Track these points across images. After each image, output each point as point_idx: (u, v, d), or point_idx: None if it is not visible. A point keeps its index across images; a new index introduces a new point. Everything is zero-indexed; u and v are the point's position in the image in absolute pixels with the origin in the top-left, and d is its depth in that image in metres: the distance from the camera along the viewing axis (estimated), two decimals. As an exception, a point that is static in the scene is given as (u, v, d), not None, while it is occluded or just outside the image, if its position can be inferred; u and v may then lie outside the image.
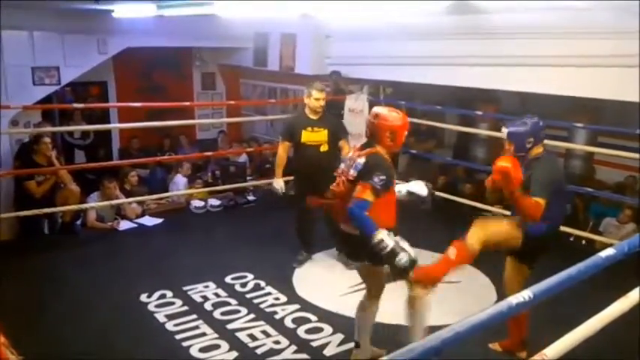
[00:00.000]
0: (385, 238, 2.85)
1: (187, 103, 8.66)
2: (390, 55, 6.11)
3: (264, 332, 3.89)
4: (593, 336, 1.79)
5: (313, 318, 4.09)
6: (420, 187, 3.36)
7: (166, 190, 6.93)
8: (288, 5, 5.24)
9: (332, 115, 5.16)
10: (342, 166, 3.20)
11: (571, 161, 6.56)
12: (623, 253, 1.77)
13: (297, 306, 4.26)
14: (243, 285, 4.64)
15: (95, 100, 8.53)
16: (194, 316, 4.08)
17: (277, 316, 4.11)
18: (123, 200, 6.09)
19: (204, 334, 3.84)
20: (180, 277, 4.70)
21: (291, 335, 3.85)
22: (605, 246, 1.82)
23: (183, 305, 4.25)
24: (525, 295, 1.48)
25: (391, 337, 3.70)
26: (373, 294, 3.33)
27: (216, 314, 4.14)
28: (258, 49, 7.92)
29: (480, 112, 6.46)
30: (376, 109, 3.19)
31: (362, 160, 3.04)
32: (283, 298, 4.40)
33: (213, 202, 6.75)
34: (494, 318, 1.39)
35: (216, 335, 3.83)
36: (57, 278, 4.75)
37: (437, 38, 5.56)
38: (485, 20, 4.85)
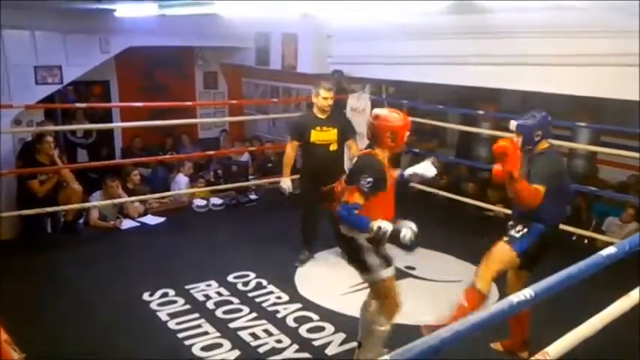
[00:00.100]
0: (382, 224, 2.85)
1: (189, 103, 8.66)
2: (392, 55, 6.11)
3: (266, 331, 3.89)
4: (595, 335, 1.78)
5: (315, 317, 4.09)
6: (427, 168, 3.32)
7: (168, 189, 6.94)
8: (288, 5, 5.23)
9: (340, 115, 5.16)
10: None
11: (574, 160, 6.55)
12: (624, 251, 1.77)
13: (298, 305, 4.26)
14: (245, 284, 4.64)
15: (97, 100, 8.53)
16: (196, 315, 4.09)
17: (279, 315, 4.12)
18: (125, 199, 6.10)
19: (206, 333, 3.85)
20: (182, 275, 4.71)
21: (292, 334, 3.85)
22: (607, 245, 1.81)
23: (185, 304, 4.26)
24: (526, 293, 1.48)
25: (392, 336, 3.69)
26: (387, 309, 3.24)
27: (219, 313, 4.14)
28: (260, 48, 7.92)
29: (481, 112, 6.46)
30: (376, 111, 3.18)
31: (354, 161, 3.09)
32: (285, 297, 4.41)
33: (216, 201, 6.75)
34: (494, 317, 1.39)
35: (218, 334, 3.84)
36: (59, 277, 4.76)
37: (438, 38, 5.55)
38: (487, 20, 4.83)
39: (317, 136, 4.74)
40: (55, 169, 5.61)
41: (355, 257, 3.11)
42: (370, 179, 2.90)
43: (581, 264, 1.65)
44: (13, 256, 5.00)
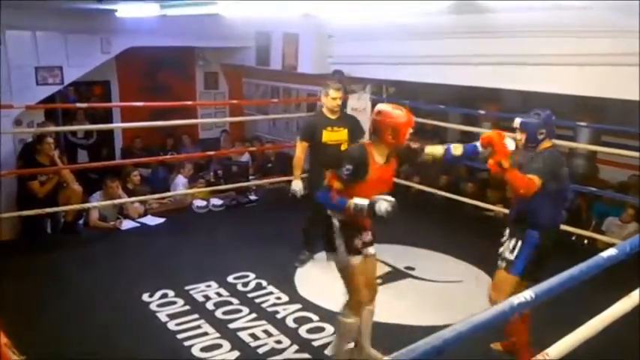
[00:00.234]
0: (358, 201, 2.93)
1: (190, 103, 8.66)
2: (393, 55, 6.11)
3: (265, 332, 3.89)
4: (595, 336, 1.78)
5: (315, 318, 4.09)
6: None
7: (169, 190, 6.93)
8: (289, 5, 5.23)
9: (349, 115, 5.14)
10: None
11: (574, 160, 6.55)
12: (625, 253, 1.77)
13: (298, 305, 4.26)
14: (245, 284, 4.64)
15: (98, 100, 8.53)
16: (196, 316, 4.09)
17: (279, 316, 4.12)
18: (125, 200, 6.10)
19: (205, 334, 3.85)
20: (182, 276, 4.71)
21: (292, 335, 3.85)
22: (608, 245, 1.81)
23: (185, 305, 4.26)
24: (527, 295, 1.48)
25: (392, 337, 3.70)
26: (351, 302, 3.29)
27: (218, 314, 4.14)
28: (261, 48, 7.91)
29: (482, 112, 6.46)
30: (380, 106, 3.20)
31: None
32: (285, 298, 4.41)
33: (216, 201, 6.75)
34: (496, 318, 1.39)
35: (217, 335, 3.84)
36: (59, 278, 4.76)
37: (439, 38, 5.55)
38: (488, 19, 4.83)
39: (328, 136, 4.73)
40: (56, 169, 5.61)
41: (326, 236, 3.21)
42: (350, 167, 3.00)
43: (582, 265, 1.65)
44: (13, 257, 5.00)
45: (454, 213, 6.42)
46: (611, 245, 1.82)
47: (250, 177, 7.55)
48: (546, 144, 3.27)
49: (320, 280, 4.70)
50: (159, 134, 8.71)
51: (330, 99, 4.72)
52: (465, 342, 1.28)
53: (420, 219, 5.87)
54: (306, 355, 3.57)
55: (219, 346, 3.70)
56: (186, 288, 4.52)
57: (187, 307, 4.22)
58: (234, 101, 9.39)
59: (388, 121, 3.04)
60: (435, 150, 3.31)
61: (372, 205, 2.89)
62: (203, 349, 3.66)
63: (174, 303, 4.29)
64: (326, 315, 4.10)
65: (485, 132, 3.16)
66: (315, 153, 4.81)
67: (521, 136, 3.28)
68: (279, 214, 6.38)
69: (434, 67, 5.82)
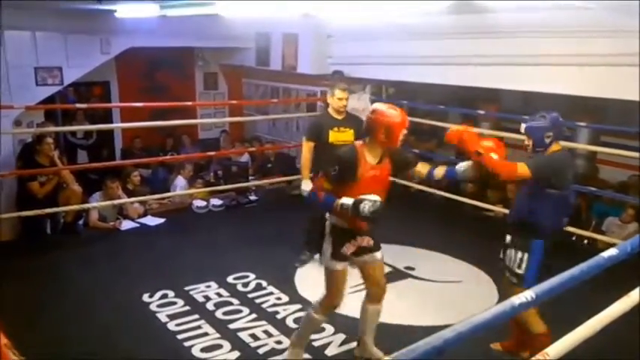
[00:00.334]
0: (344, 200, 2.94)
1: (190, 103, 8.66)
2: (392, 55, 6.11)
3: (265, 332, 3.89)
4: (595, 336, 1.79)
5: (315, 318, 4.08)
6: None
7: (168, 190, 6.93)
8: (289, 5, 5.23)
9: (355, 116, 5.12)
10: None
11: (574, 160, 6.55)
12: (626, 253, 1.77)
13: (298, 306, 4.26)
14: (245, 285, 4.64)
15: (98, 100, 8.53)
16: (196, 316, 4.09)
17: (279, 316, 4.12)
18: (125, 200, 6.10)
19: (206, 334, 3.85)
20: (182, 277, 4.71)
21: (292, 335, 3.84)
22: (608, 245, 1.81)
23: (185, 305, 4.26)
24: (528, 295, 1.48)
25: (392, 337, 3.70)
26: (324, 301, 3.34)
27: (218, 314, 4.14)
28: (260, 48, 7.92)
29: (482, 112, 6.46)
30: (375, 105, 3.19)
31: None
32: (285, 298, 4.40)
33: (215, 201, 6.75)
34: (497, 318, 1.39)
35: (218, 335, 3.83)
36: (59, 278, 4.76)
37: (439, 38, 5.55)
38: (487, 19, 4.84)
39: (335, 136, 4.70)
40: (55, 170, 5.61)
41: (320, 237, 3.25)
42: (335, 167, 3.01)
43: (583, 265, 1.65)
44: (13, 257, 4.99)
45: (454, 213, 6.42)
46: (612, 245, 1.82)
47: (250, 177, 7.56)
48: (555, 147, 3.18)
49: (320, 281, 4.67)
50: (159, 135, 8.71)
51: (336, 99, 4.70)
52: (465, 342, 1.28)
53: (419, 219, 5.88)
54: (307, 356, 3.57)
55: (219, 346, 3.70)
56: (187, 288, 4.52)
57: (187, 308, 4.22)
58: (234, 101, 9.39)
59: (382, 120, 3.02)
60: (422, 168, 3.35)
61: (356, 204, 2.89)
62: (203, 350, 3.65)
63: (174, 303, 4.29)
64: (326, 315, 4.10)
65: (452, 127, 3.19)
66: (322, 153, 4.73)
67: (528, 142, 3.21)
68: (279, 214, 6.38)
69: (434, 67, 5.83)
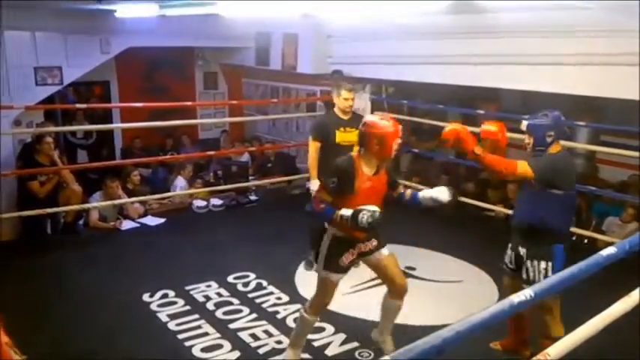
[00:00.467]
0: (343, 211, 2.98)
1: (189, 103, 8.66)
2: (392, 55, 6.11)
3: (266, 332, 3.89)
4: (595, 335, 1.78)
5: (315, 317, 4.08)
6: (439, 192, 3.27)
7: (169, 190, 6.93)
8: (289, 5, 5.23)
9: (361, 116, 5.08)
10: None
11: (575, 161, 6.55)
12: (624, 251, 1.77)
13: (299, 305, 4.24)
14: (245, 284, 4.65)
15: (98, 100, 8.53)
16: (196, 316, 4.09)
17: (279, 316, 4.12)
18: (125, 200, 6.11)
19: (206, 334, 3.85)
20: (182, 276, 4.71)
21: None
22: (608, 245, 1.81)
23: (185, 305, 4.26)
24: (527, 293, 1.48)
25: (392, 336, 3.70)
26: (315, 302, 3.36)
27: (219, 314, 4.14)
28: (260, 48, 7.91)
29: (481, 111, 6.45)
30: (367, 117, 3.25)
31: None
32: (285, 298, 4.41)
33: (216, 201, 6.75)
34: (495, 317, 1.39)
35: (218, 335, 3.84)
36: (59, 278, 4.76)
37: (438, 37, 5.55)
38: (487, 19, 4.83)
39: (342, 137, 4.66)
40: (55, 169, 5.61)
41: (317, 244, 3.28)
42: (334, 179, 3.05)
43: (582, 264, 1.65)
44: (13, 257, 5.00)
45: (455, 213, 6.41)
46: (612, 244, 1.82)
47: (250, 177, 7.56)
48: (556, 147, 3.12)
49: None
50: (158, 134, 8.71)
51: (342, 99, 4.66)
52: (465, 342, 1.28)
53: (420, 219, 5.86)
54: (307, 356, 3.57)
55: (219, 346, 3.70)
56: (187, 288, 4.52)
57: (188, 308, 4.22)
58: (234, 101, 9.39)
59: (374, 132, 3.05)
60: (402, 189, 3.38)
61: (355, 215, 2.92)
62: (204, 350, 3.66)
63: (174, 303, 4.29)
64: (326, 315, 4.07)
65: (448, 126, 3.14)
66: (328, 153, 4.65)
67: (528, 140, 3.15)
68: (279, 214, 6.39)
69: (433, 66, 5.82)
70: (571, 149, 6.31)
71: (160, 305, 4.26)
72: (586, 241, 5.44)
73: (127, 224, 6.09)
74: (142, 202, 6.41)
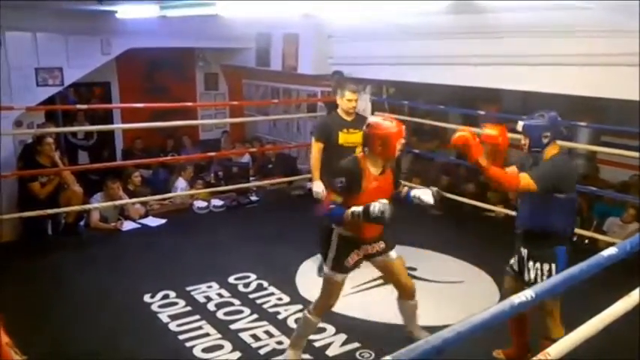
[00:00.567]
0: (354, 208, 3.00)
1: (190, 104, 8.64)
2: (393, 55, 6.11)
3: (267, 332, 3.90)
4: (595, 335, 1.78)
5: (316, 318, 4.08)
6: (425, 194, 3.32)
7: (169, 191, 6.93)
8: (289, 5, 5.23)
9: (364, 117, 5.06)
10: None
11: (575, 160, 6.55)
12: (625, 252, 1.77)
13: (300, 306, 4.26)
14: (246, 285, 4.65)
15: (98, 101, 8.53)
16: (197, 317, 4.09)
17: (280, 317, 4.12)
18: (126, 201, 6.11)
19: (207, 335, 3.85)
20: (183, 277, 4.71)
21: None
22: (609, 245, 1.81)
23: (186, 305, 4.27)
24: (527, 294, 1.48)
25: (392, 336, 3.70)
26: (320, 303, 3.38)
27: (220, 314, 4.15)
28: (261, 49, 7.91)
29: (482, 112, 6.45)
30: (370, 119, 3.31)
31: None
32: (286, 299, 4.41)
33: (216, 202, 6.76)
34: (496, 317, 1.39)
35: (219, 335, 3.84)
36: (60, 279, 4.77)
37: (439, 38, 5.55)
38: (487, 19, 4.83)
39: (345, 138, 4.63)
40: (56, 170, 5.61)
41: (324, 245, 3.30)
42: (342, 179, 3.08)
43: (583, 265, 1.65)
44: (14, 258, 5.01)
45: (455, 213, 6.42)
46: (613, 245, 1.82)
47: (251, 178, 7.56)
48: (552, 148, 3.10)
49: (321, 281, 4.69)
50: (159, 135, 8.70)
51: (345, 101, 4.63)
52: (467, 345, 1.28)
53: (420, 219, 5.87)
54: (307, 356, 3.57)
55: (220, 346, 3.71)
56: (188, 289, 4.52)
57: (189, 308, 4.22)
58: (235, 102, 9.39)
59: (377, 133, 3.10)
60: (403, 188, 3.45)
61: (366, 208, 2.94)
62: (204, 350, 3.66)
63: (175, 304, 4.29)
64: (327, 315, 4.07)
65: (458, 131, 3.11)
66: (330, 155, 4.62)
67: (524, 141, 3.12)
68: (280, 214, 6.39)
69: (434, 67, 5.82)
70: (571, 150, 6.34)
71: (160, 306, 4.26)
72: (587, 241, 5.44)
73: (127, 225, 6.10)
74: (142, 203, 6.41)
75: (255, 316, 4.13)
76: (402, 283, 3.44)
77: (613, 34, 4.13)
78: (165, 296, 4.41)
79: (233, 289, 4.56)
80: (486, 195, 6.45)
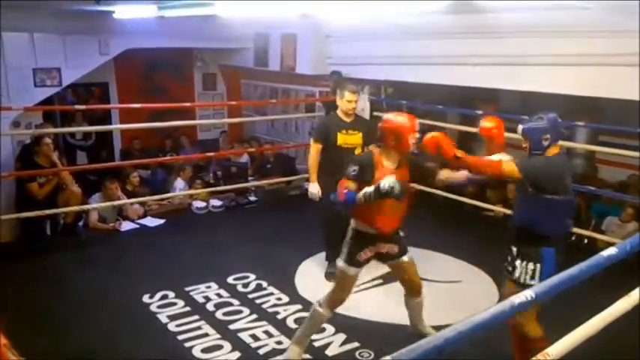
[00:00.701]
0: (365, 189, 3.11)
1: (188, 104, 8.64)
2: (391, 55, 6.11)
3: (266, 332, 3.89)
4: (595, 335, 1.79)
5: (315, 318, 4.08)
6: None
7: (168, 191, 6.93)
8: (288, 5, 5.23)
9: (364, 118, 5.04)
10: None
11: (573, 160, 6.55)
12: (625, 252, 1.77)
13: (299, 306, 4.26)
14: (245, 285, 4.64)
15: (96, 102, 8.52)
16: (196, 317, 4.09)
17: (279, 317, 4.12)
18: (125, 201, 6.10)
19: (206, 335, 3.85)
20: (182, 277, 4.71)
21: (293, 335, 3.84)
22: (608, 245, 1.81)
23: (185, 306, 4.26)
24: (527, 294, 1.48)
25: (392, 336, 3.70)
26: (332, 297, 3.43)
27: (219, 315, 4.14)
28: (259, 49, 7.91)
29: (480, 112, 6.45)
30: (386, 115, 3.40)
31: None
32: (285, 299, 4.41)
33: (215, 202, 6.75)
34: (496, 317, 1.39)
35: (218, 336, 3.84)
36: (59, 279, 4.76)
37: (437, 38, 5.55)
38: (486, 19, 4.83)
39: (344, 139, 4.61)
40: (55, 171, 5.60)
41: (332, 238, 3.49)
42: (355, 168, 3.22)
43: (582, 265, 1.65)
44: (12, 259, 4.99)
45: (454, 213, 6.42)
46: (611, 245, 1.82)
47: (249, 178, 7.56)
48: (554, 149, 3.06)
49: (320, 281, 4.70)
50: (157, 135, 8.70)
51: (345, 101, 4.60)
52: (465, 342, 1.28)
53: (420, 219, 5.85)
54: (307, 356, 3.57)
55: (219, 347, 3.70)
56: (187, 289, 4.52)
57: (188, 309, 4.22)
58: (233, 102, 9.38)
59: (390, 127, 3.21)
60: (448, 174, 3.47)
61: (377, 186, 3.04)
62: (204, 350, 3.66)
63: (174, 304, 4.29)
64: (326, 315, 4.10)
65: (427, 135, 3.17)
66: (329, 156, 4.62)
67: (525, 144, 3.09)
68: (279, 214, 6.39)
69: (432, 67, 5.82)
70: (570, 149, 6.35)
71: (159, 306, 4.26)
72: (586, 240, 5.45)
73: (126, 225, 6.09)
74: (141, 203, 6.40)
75: (254, 316, 4.13)
76: (412, 282, 3.56)
77: (612, 34, 4.13)
78: (164, 296, 4.40)
79: (232, 289, 4.56)
80: (486, 194, 6.45)
